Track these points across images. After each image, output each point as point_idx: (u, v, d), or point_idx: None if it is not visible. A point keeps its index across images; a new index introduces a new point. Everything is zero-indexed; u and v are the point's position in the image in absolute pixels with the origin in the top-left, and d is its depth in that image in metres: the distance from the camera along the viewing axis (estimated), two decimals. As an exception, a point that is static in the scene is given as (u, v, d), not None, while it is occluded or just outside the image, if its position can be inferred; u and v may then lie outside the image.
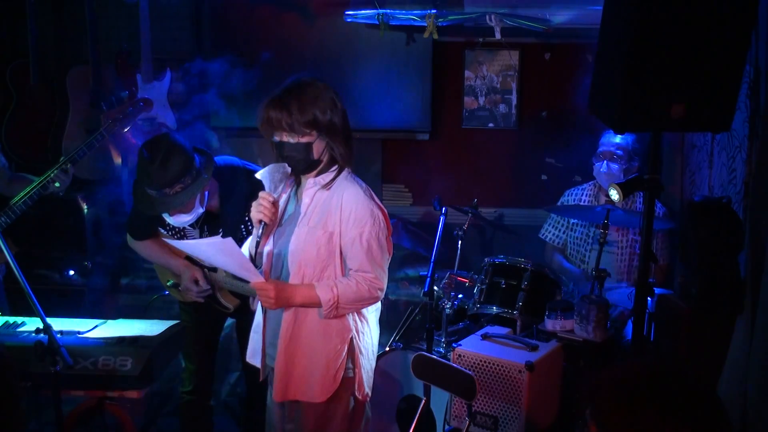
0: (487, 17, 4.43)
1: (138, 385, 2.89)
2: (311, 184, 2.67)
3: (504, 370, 2.95)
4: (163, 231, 3.31)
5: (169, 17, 4.81)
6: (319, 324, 2.64)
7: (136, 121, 4.09)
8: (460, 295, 3.80)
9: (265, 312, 2.78)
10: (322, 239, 2.61)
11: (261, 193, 2.59)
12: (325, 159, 2.64)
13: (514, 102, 4.90)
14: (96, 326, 3.10)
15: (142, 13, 4.59)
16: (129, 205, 3.48)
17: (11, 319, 3.13)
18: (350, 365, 2.69)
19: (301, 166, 2.63)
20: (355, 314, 2.70)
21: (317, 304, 2.59)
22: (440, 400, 3.27)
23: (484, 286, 3.69)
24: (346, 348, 2.66)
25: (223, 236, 3.23)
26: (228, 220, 3.22)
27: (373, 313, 2.79)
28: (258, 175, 2.66)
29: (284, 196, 2.76)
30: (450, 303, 3.68)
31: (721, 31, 2.50)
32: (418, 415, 3.08)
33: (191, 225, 3.21)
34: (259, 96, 2.66)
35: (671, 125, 2.67)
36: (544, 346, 3.10)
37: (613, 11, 2.70)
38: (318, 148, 2.60)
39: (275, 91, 2.61)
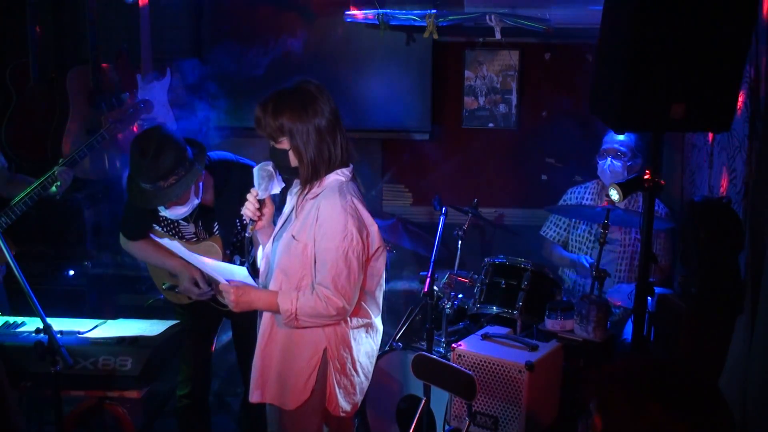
0: (487, 17, 4.43)
1: (138, 385, 2.89)
2: (304, 191, 2.65)
3: (504, 370, 2.95)
4: (157, 227, 3.30)
5: (169, 17, 4.81)
6: (294, 332, 2.62)
7: (136, 121, 4.11)
8: (460, 295, 3.79)
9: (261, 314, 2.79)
10: (297, 249, 2.58)
11: (251, 190, 2.68)
12: (307, 167, 2.57)
13: (514, 102, 4.90)
14: (96, 326, 3.10)
15: (142, 13, 4.59)
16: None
17: (11, 319, 3.13)
18: (322, 379, 2.63)
19: (284, 171, 2.64)
20: (335, 327, 2.63)
21: (278, 313, 2.58)
22: (440, 400, 3.27)
23: (484, 286, 3.69)
24: (318, 360, 2.62)
25: (218, 230, 3.25)
26: (222, 214, 3.22)
27: (361, 329, 2.70)
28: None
29: (293, 198, 2.76)
30: (450, 303, 3.68)
31: (721, 31, 2.50)
32: (418, 415, 3.08)
33: (185, 219, 3.21)
34: (258, 96, 2.66)
35: (671, 125, 2.67)
36: (544, 346, 3.10)
37: (613, 11, 2.70)
38: (293, 156, 2.58)
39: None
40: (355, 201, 2.56)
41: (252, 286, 2.65)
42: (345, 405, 2.68)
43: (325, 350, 2.62)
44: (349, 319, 2.64)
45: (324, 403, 2.65)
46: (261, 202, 2.69)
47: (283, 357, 2.65)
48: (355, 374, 2.69)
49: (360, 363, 2.70)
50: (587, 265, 3.90)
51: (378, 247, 2.62)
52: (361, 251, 2.53)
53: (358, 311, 2.67)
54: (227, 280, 2.66)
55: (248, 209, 2.67)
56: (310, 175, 2.57)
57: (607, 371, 1.58)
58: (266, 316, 2.72)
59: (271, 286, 2.66)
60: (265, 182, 2.65)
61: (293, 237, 2.60)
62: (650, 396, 1.47)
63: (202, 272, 3.28)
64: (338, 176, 2.60)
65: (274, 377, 2.67)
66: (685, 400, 1.47)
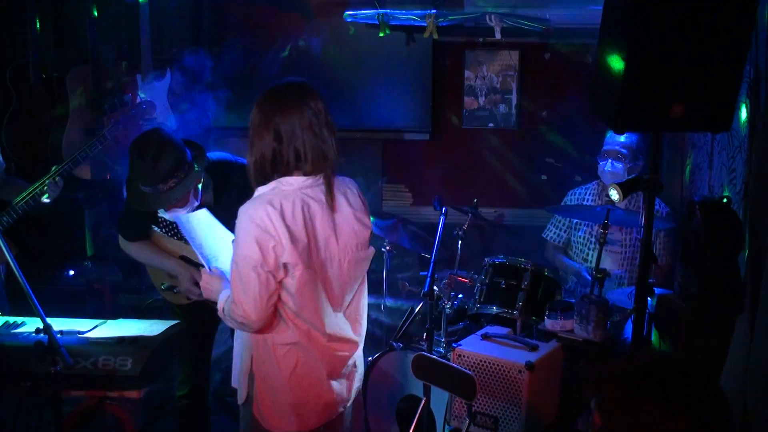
0: (487, 17, 4.43)
1: (138, 385, 2.88)
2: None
3: (504, 370, 2.95)
4: (156, 228, 3.31)
5: (169, 17, 4.82)
6: (243, 333, 2.62)
7: (138, 122, 4.11)
8: (460, 295, 3.80)
9: None
10: None
11: None
12: (250, 164, 2.49)
13: (514, 102, 4.90)
14: (96, 326, 3.10)
15: (142, 12, 4.60)
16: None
17: (11, 319, 3.13)
18: (251, 384, 2.59)
19: None
20: (261, 338, 2.53)
21: None
22: (440, 400, 3.27)
23: (484, 286, 3.69)
24: (249, 366, 2.59)
25: None
26: (221, 215, 3.21)
27: (288, 347, 2.50)
28: None
29: None
30: (450, 303, 3.68)
31: (721, 31, 2.50)
32: (418, 415, 3.08)
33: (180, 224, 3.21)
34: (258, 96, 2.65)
35: (671, 125, 2.67)
36: (544, 346, 3.10)
37: (613, 11, 2.70)
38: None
39: None
40: (269, 210, 2.37)
41: (221, 278, 2.68)
42: (278, 421, 2.56)
43: (252, 359, 2.59)
44: (270, 334, 2.51)
45: (253, 409, 2.60)
46: None
47: (238, 353, 2.69)
48: (284, 393, 2.53)
49: (291, 384, 2.53)
50: (588, 277, 3.88)
51: (287, 263, 2.40)
52: (259, 262, 2.37)
53: (277, 328, 2.50)
54: (210, 267, 2.71)
55: None
56: (254, 174, 2.49)
57: (606, 369, 1.59)
58: None
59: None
60: None
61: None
62: (648, 392, 1.48)
63: (200, 271, 3.28)
64: (278, 184, 2.45)
65: (236, 369, 2.72)
66: (683, 395, 1.48)
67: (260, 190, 2.48)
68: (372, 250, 2.65)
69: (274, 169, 2.46)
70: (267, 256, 2.38)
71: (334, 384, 2.59)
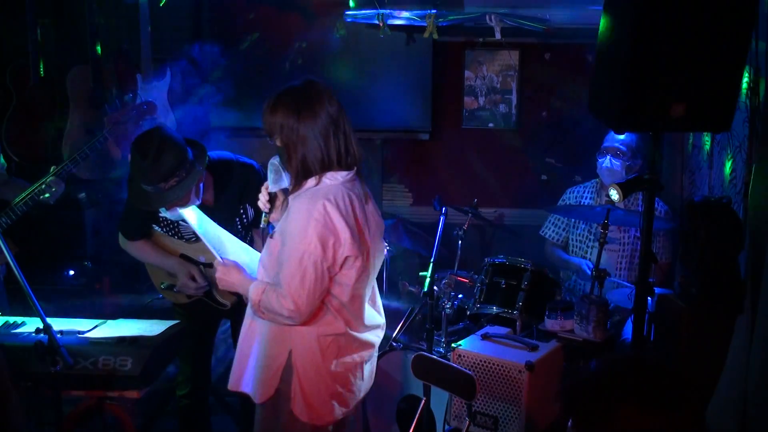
0: (487, 17, 4.44)
1: (138, 385, 2.88)
2: (292, 190, 2.62)
3: (504, 370, 2.95)
4: (156, 228, 3.31)
5: (169, 17, 4.82)
6: (269, 327, 2.61)
7: (139, 123, 4.11)
8: (460, 295, 3.79)
9: None
10: (273, 245, 2.59)
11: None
12: (295, 167, 2.53)
13: (514, 102, 4.90)
14: (96, 326, 3.10)
15: (142, 12, 4.60)
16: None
17: (11, 319, 3.13)
18: (286, 379, 2.59)
19: (284, 167, 2.60)
20: (302, 331, 2.56)
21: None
22: (440, 400, 3.27)
23: (484, 286, 3.69)
24: (284, 360, 2.59)
25: None
26: (222, 214, 3.22)
27: (331, 338, 2.58)
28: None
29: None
30: (450, 303, 3.68)
31: (721, 31, 2.50)
32: (418, 415, 3.08)
33: (184, 219, 3.21)
34: (258, 96, 2.66)
35: (671, 125, 2.67)
36: (544, 346, 3.10)
37: (613, 11, 2.70)
38: (286, 154, 2.54)
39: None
40: (328, 206, 2.45)
41: (238, 269, 2.67)
42: (319, 412, 2.59)
43: (290, 352, 2.59)
44: (315, 326, 2.56)
45: (289, 405, 2.60)
46: (272, 195, 2.69)
47: (257, 349, 2.66)
48: (326, 383, 2.60)
49: (333, 373, 2.60)
50: (588, 271, 3.89)
51: (348, 256, 2.49)
52: (319, 258, 2.44)
53: (325, 319, 2.57)
54: (222, 258, 2.71)
55: (260, 200, 2.71)
56: (296, 174, 2.54)
57: (574, 383, 1.60)
58: (249, 308, 2.72)
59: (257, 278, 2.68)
60: (272, 176, 2.64)
61: (272, 234, 2.62)
62: (621, 393, 1.49)
63: (199, 268, 3.29)
64: (326, 179, 2.52)
65: (250, 368, 2.68)
66: (656, 390, 1.48)
67: (309, 184, 2.53)
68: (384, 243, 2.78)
69: (320, 164, 2.51)
70: (327, 252, 2.45)
71: (366, 369, 2.71)
